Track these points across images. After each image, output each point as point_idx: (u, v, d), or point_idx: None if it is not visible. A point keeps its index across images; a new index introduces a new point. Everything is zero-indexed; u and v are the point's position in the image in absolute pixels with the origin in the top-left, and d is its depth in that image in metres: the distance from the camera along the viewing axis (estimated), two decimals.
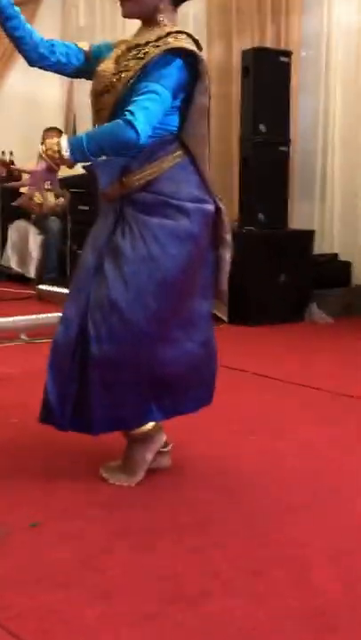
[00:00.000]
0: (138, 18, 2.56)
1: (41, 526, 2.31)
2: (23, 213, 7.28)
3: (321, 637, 1.80)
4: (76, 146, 2.37)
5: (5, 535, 2.25)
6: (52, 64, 2.60)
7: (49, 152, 2.39)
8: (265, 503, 2.53)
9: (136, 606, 1.90)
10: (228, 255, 2.68)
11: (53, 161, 2.40)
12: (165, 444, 2.78)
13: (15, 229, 7.29)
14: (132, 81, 2.42)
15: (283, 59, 5.92)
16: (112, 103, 2.47)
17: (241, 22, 6.72)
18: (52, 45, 2.58)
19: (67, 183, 6.66)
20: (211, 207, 2.57)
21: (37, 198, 7.05)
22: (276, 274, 5.66)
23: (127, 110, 2.33)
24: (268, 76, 5.76)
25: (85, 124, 7.56)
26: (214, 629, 1.82)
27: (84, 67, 2.63)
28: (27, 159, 7.39)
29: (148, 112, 2.34)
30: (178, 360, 2.62)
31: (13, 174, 7.57)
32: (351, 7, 6.19)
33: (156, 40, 2.44)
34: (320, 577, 2.06)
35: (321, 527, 2.37)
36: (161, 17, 2.50)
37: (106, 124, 2.40)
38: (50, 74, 2.70)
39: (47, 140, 2.43)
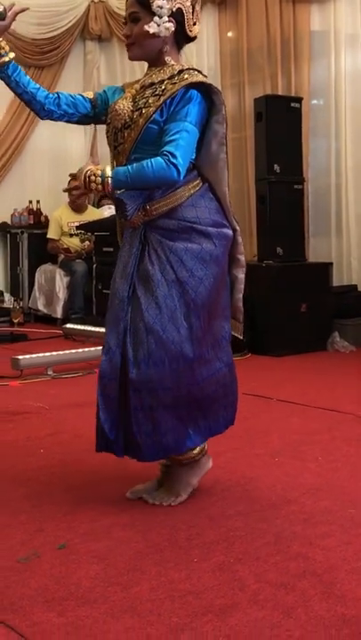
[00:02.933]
0: (144, 60, 2.62)
1: (68, 548, 2.25)
2: (50, 257, 7.32)
3: None
4: (118, 177, 2.42)
5: (35, 557, 2.19)
6: (60, 116, 2.64)
7: (92, 177, 2.43)
8: (291, 521, 2.45)
9: (163, 619, 1.83)
10: (241, 275, 2.69)
11: (95, 187, 2.44)
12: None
13: (42, 272, 7.33)
14: (153, 116, 2.47)
15: (294, 104, 6.02)
16: (134, 138, 2.52)
17: (252, 73, 6.81)
18: (58, 98, 2.61)
19: (92, 227, 6.75)
20: (230, 231, 2.59)
21: (63, 243, 7.15)
22: (297, 305, 5.62)
23: (167, 151, 2.40)
24: (280, 120, 5.84)
25: None
26: (244, 639, 1.75)
27: (92, 113, 2.67)
28: (53, 207, 7.53)
29: (185, 151, 2.42)
30: (211, 380, 2.59)
31: (41, 221, 7.64)
32: (357, 56, 6.28)
33: (171, 78, 2.51)
34: (348, 588, 1.98)
35: (348, 543, 2.28)
36: (167, 58, 2.56)
37: (148, 162, 2.40)
38: (74, 127, 2.76)
39: (91, 167, 2.45)
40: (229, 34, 7.05)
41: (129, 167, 2.44)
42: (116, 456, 2.58)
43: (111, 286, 2.57)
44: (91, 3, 8.04)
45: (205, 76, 2.58)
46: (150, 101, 2.49)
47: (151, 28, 2.48)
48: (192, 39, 2.62)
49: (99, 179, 2.42)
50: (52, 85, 7.84)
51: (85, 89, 8.24)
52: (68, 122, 2.69)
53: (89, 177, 2.44)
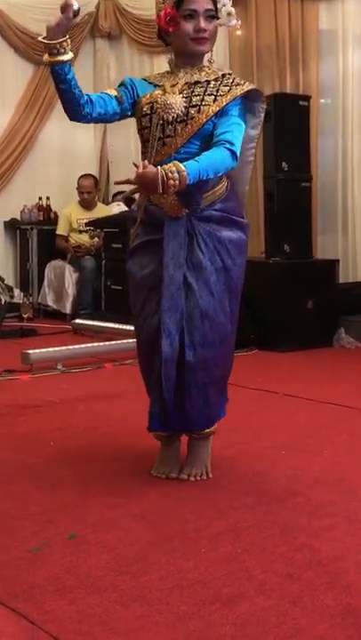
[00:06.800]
0: (203, 55, 2.68)
1: (79, 538, 2.28)
2: (60, 253, 7.32)
3: (357, 635, 1.74)
4: (192, 173, 2.41)
5: (46, 546, 2.22)
6: (93, 119, 2.64)
7: (169, 174, 2.38)
8: (297, 513, 2.47)
9: (172, 608, 1.86)
10: None
11: (173, 184, 2.38)
12: None
13: (52, 268, 7.31)
14: (213, 116, 2.58)
15: (302, 103, 6.02)
16: (189, 132, 2.60)
17: (261, 72, 6.80)
18: (92, 103, 2.59)
19: (101, 224, 6.77)
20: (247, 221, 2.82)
21: (74, 240, 7.17)
22: (303, 301, 5.62)
23: (225, 140, 2.52)
24: (289, 118, 5.83)
25: (119, 171, 7.64)
26: (250, 628, 1.77)
27: (119, 110, 2.67)
28: (63, 204, 7.54)
29: (239, 141, 2.58)
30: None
31: (51, 217, 7.66)
32: None
33: (216, 80, 2.63)
34: (353, 579, 2.00)
35: (353, 535, 2.30)
36: (207, 57, 2.69)
37: (213, 153, 2.50)
38: (83, 125, 2.85)
39: (163, 167, 2.40)
40: (238, 32, 6.96)
41: (197, 160, 2.46)
42: (166, 433, 2.79)
43: (165, 274, 2.61)
44: (101, 0, 7.99)
45: None
46: (208, 99, 2.59)
47: (232, 25, 2.64)
48: None
49: (175, 174, 2.39)
50: None
51: (96, 87, 8.21)
52: (97, 122, 2.78)
53: (166, 175, 2.37)
